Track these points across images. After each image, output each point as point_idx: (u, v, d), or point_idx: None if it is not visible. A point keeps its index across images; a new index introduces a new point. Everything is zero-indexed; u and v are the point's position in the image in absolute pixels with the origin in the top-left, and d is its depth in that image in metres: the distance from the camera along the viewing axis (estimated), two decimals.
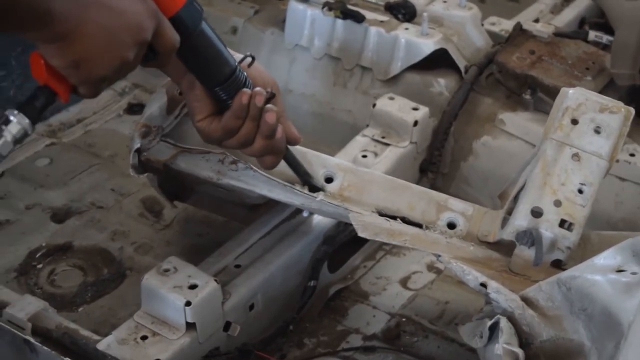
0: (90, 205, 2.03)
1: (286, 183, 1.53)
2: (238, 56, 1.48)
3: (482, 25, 2.26)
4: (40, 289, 1.81)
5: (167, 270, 1.56)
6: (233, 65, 1.42)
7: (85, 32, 1.19)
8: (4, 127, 1.22)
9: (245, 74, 1.45)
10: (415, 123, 1.97)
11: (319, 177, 1.58)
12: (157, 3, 1.27)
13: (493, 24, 2.32)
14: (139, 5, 1.24)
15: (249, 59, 1.47)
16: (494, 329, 1.32)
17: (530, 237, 1.42)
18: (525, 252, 1.43)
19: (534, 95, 2.03)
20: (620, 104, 1.51)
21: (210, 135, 1.48)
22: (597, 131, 1.48)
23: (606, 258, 1.25)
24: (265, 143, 1.47)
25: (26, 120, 1.23)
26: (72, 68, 1.21)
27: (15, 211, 2.00)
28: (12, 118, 1.22)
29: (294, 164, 1.55)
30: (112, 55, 1.22)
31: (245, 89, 1.44)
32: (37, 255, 1.88)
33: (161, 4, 1.28)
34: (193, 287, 1.53)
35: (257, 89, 1.45)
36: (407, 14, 2.20)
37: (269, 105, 1.46)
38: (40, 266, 1.86)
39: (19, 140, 1.23)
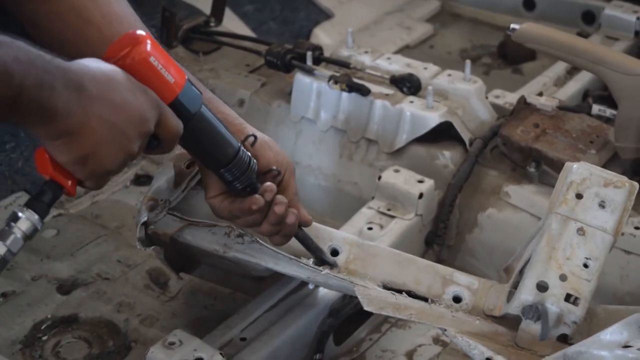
0: (96, 277, 2.03)
1: (292, 256, 1.53)
2: (247, 131, 1.49)
3: (487, 98, 2.28)
4: None
5: (172, 344, 1.56)
6: (236, 147, 1.43)
7: (89, 128, 1.19)
8: (13, 224, 1.24)
9: (249, 154, 1.46)
10: (421, 195, 1.98)
11: (325, 250, 1.59)
12: (156, 90, 1.29)
13: (497, 96, 2.34)
14: (140, 97, 1.25)
15: (251, 139, 1.48)
16: None
17: (536, 312, 1.41)
18: (531, 327, 1.43)
19: (538, 168, 2.04)
20: (625, 178, 1.52)
21: (220, 214, 1.50)
22: (602, 205, 1.49)
23: (612, 333, 1.25)
24: (273, 228, 1.49)
25: (35, 216, 1.25)
26: (79, 164, 1.22)
27: (21, 282, 2.00)
28: (20, 215, 1.24)
29: (306, 242, 1.55)
30: (117, 150, 1.23)
31: (257, 196, 1.44)
32: (43, 327, 1.88)
33: (160, 91, 1.29)
34: None
35: (268, 184, 1.46)
36: (412, 87, 2.22)
37: (279, 197, 1.46)
38: (45, 338, 1.85)
39: (29, 237, 1.25)
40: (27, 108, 1.14)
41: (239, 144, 1.44)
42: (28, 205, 1.25)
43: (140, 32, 1.31)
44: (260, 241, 1.53)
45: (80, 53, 1.27)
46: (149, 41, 1.29)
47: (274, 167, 1.49)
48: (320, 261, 1.56)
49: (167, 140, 1.31)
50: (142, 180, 2.38)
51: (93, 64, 1.24)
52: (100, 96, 1.20)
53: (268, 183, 1.46)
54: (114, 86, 1.23)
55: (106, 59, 1.27)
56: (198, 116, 1.36)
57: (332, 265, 1.56)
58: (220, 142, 1.41)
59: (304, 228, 1.55)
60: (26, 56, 1.13)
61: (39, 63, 1.14)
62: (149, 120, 1.26)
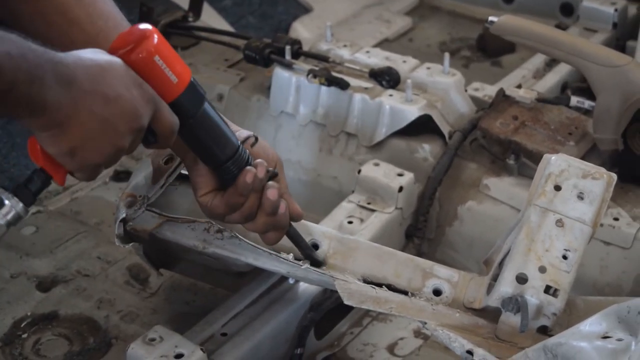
0: (76, 274, 2.02)
1: (272, 251, 1.53)
2: (242, 133, 1.49)
3: (466, 91, 2.28)
4: (26, 359, 1.79)
5: (153, 340, 1.56)
6: (236, 145, 1.43)
7: (78, 121, 1.19)
8: None
9: (248, 152, 1.45)
10: (401, 189, 1.98)
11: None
12: (157, 88, 1.27)
13: (476, 89, 2.34)
14: (134, 92, 1.23)
15: (252, 139, 1.48)
16: None
17: (516, 304, 1.42)
18: (511, 319, 1.43)
19: (517, 160, 2.04)
20: (603, 170, 1.52)
21: (213, 211, 1.48)
22: (580, 197, 1.49)
23: (592, 324, 1.25)
24: (268, 219, 1.48)
25: (20, 205, 1.24)
26: (67, 156, 1.22)
27: (0, 280, 1.99)
28: (6, 202, 1.23)
29: (297, 239, 1.55)
30: (106, 144, 1.23)
31: (249, 167, 1.44)
32: (23, 325, 1.87)
33: (161, 89, 1.28)
34: (179, 356, 1.53)
35: (259, 160, 1.46)
36: (391, 80, 2.22)
37: (270, 183, 1.46)
38: (25, 336, 1.84)
39: (12, 223, 1.24)
40: (18, 102, 1.13)
41: (239, 143, 1.43)
42: (14, 192, 1.24)
43: (147, 26, 1.28)
44: (239, 236, 1.52)
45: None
46: (155, 36, 1.27)
47: (269, 169, 1.48)
48: (310, 259, 1.56)
49: (163, 136, 1.30)
50: (122, 176, 2.37)
51: (88, 56, 1.22)
52: (92, 90, 1.19)
53: (259, 160, 1.46)
54: (107, 80, 1.21)
55: (111, 52, 1.26)
56: (200, 115, 1.35)
57: (321, 264, 1.56)
58: (221, 140, 1.41)
59: (294, 225, 1.54)
60: (18, 50, 1.12)
61: (30, 57, 1.13)
62: (142, 116, 1.24)
